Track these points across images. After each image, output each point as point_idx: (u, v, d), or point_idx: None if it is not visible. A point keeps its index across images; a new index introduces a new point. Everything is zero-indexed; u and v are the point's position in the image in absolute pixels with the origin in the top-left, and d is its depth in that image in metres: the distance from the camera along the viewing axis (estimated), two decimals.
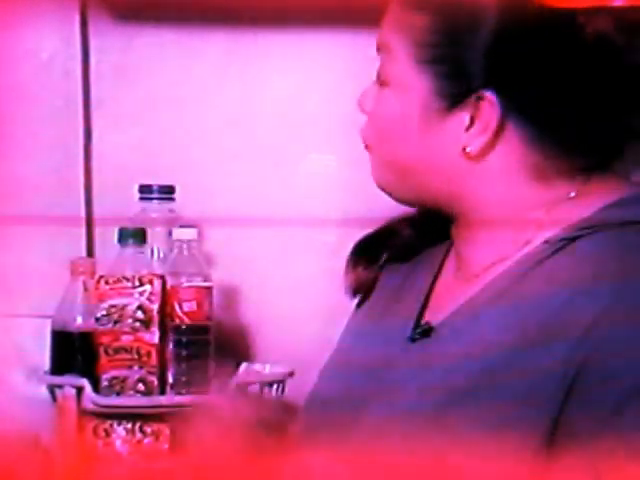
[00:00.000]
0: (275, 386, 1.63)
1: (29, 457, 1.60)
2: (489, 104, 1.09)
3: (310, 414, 1.26)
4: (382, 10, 1.37)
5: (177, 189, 1.68)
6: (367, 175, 1.33)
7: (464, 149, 1.11)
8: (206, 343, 1.59)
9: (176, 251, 1.60)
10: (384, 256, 1.28)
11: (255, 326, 1.81)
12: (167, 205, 1.67)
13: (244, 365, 1.64)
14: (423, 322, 1.18)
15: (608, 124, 1.12)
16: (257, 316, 1.80)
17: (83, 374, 1.51)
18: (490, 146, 1.11)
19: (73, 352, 1.55)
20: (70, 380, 1.51)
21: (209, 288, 1.60)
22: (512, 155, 1.11)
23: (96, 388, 1.49)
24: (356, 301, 1.30)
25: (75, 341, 1.55)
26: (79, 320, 1.58)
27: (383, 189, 1.20)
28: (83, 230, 1.77)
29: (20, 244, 1.71)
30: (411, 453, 1.09)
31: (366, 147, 1.20)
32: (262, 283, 1.78)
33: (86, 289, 1.58)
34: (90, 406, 1.50)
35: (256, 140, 1.80)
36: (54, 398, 1.52)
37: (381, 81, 1.17)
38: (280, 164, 1.78)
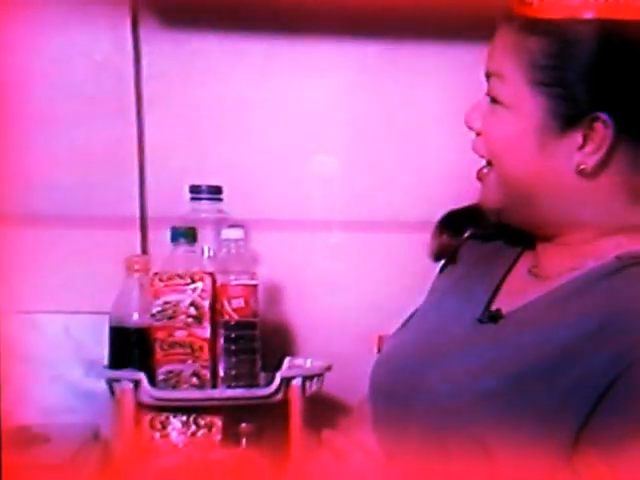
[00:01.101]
0: (315, 379, 1.65)
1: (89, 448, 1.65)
2: (603, 124, 1.12)
3: (378, 374, 1.29)
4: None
5: (224, 189, 1.69)
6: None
7: (578, 167, 1.14)
8: (253, 338, 1.62)
9: (224, 250, 1.63)
10: (468, 231, 1.32)
11: (297, 322, 1.85)
12: (216, 205, 1.69)
13: (287, 359, 1.67)
14: (493, 308, 1.22)
15: None
16: (299, 312, 1.84)
17: (140, 368, 1.53)
18: (603, 165, 1.14)
19: (130, 347, 1.57)
20: (128, 374, 1.54)
21: (255, 286, 1.62)
22: (620, 175, 1.14)
23: (152, 382, 1.51)
24: (439, 266, 1.35)
25: (132, 336, 1.57)
26: (135, 316, 1.61)
27: (492, 211, 1.23)
28: (137, 229, 1.80)
29: (78, 244, 1.75)
30: (458, 428, 1.14)
31: (488, 162, 1.22)
32: (304, 281, 1.81)
33: (141, 286, 1.61)
34: (147, 399, 1.52)
35: (294, 140, 1.82)
36: (112, 392, 1.54)
37: (494, 100, 1.19)
38: (315, 163, 1.81)
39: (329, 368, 1.64)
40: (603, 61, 1.15)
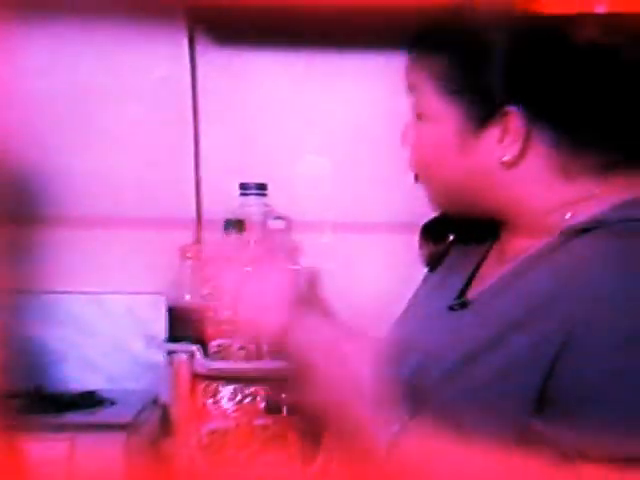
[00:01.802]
0: None
1: (149, 411, 1.74)
2: (514, 117, 1.14)
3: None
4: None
5: (269, 186, 1.76)
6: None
7: (501, 159, 1.17)
8: None
9: (269, 239, 1.68)
10: (450, 237, 1.35)
11: (333, 304, 1.86)
12: (261, 200, 1.74)
13: None
14: (467, 297, 1.24)
15: (624, 122, 1.15)
16: (335, 295, 1.83)
17: (194, 342, 1.58)
18: (522, 153, 1.16)
19: (185, 324, 1.61)
20: (184, 347, 1.60)
21: (297, 272, 1.59)
22: (541, 158, 1.16)
23: (205, 354, 1.57)
24: (426, 270, 1.37)
25: (186, 314, 1.61)
26: (188, 297, 1.66)
27: (440, 209, 1.28)
28: (193, 221, 1.89)
29: (142, 235, 1.84)
30: (434, 409, 1.16)
31: (415, 177, 1.25)
32: (340, 267, 1.85)
33: (194, 271, 1.67)
34: (200, 369, 1.58)
35: (331, 141, 1.91)
36: (170, 363, 1.60)
37: (417, 115, 1.22)
38: (349, 163, 1.89)
39: None
40: (504, 62, 1.16)
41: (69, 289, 1.89)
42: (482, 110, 1.17)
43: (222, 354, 1.59)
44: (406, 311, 1.36)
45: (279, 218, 1.72)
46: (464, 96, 1.17)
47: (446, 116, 1.19)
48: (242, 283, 1.35)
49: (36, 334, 1.89)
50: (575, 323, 1.05)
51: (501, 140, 1.16)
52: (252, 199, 1.76)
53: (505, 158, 1.16)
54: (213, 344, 1.58)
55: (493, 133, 1.16)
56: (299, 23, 1.82)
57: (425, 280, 1.38)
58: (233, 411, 1.60)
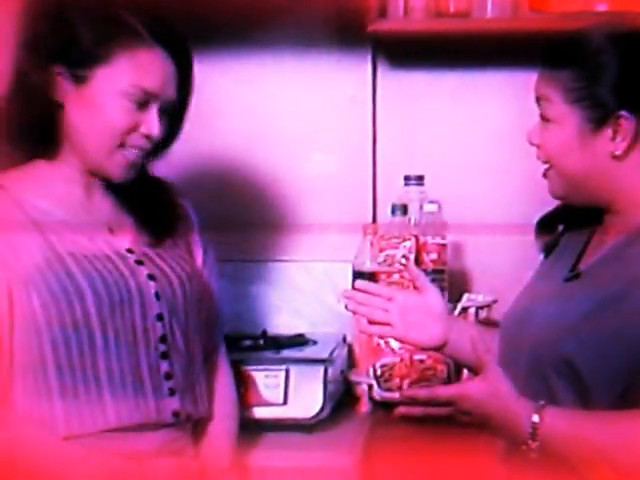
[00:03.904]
0: (485, 308, 1.86)
1: (341, 348, 1.88)
2: (626, 119, 1.25)
3: (501, 326, 1.45)
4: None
5: (426, 177, 2.03)
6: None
7: (612, 153, 1.26)
8: (442, 281, 1.92)
9: (425, 219, 1.96)
10: (561, 228, 1.43)
11: (473, 270, 2.12)
12: (420, 188, 2.02)
13: (466, 295, 1.91)
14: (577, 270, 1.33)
15: None
16: (475, 263, 2.11)
17: None
18: (631, 148, 1.26)
19: None
20: None
21: (445, 245, 1.94)
22: None
23: None
24: (542, 257, 1.46)
25: (365, 277, 1.79)
26: (367, 264, 1.92)
27: (561, 199, 1.36)
28: (370, 206, 2.14)
29: (335, 218, 2.11)
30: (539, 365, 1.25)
31: (544, 174, 1.33)
32: (478, 241, 2.05)
33: (372, 244, 1.92)
34: None
35: (477, 146, 2.11)
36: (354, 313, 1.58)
37: (544, 119, 1.31)
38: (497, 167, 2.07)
39: (495, 301, 1.86)
40: (618, 75, 1.25)
41: (285, 257, 2.15)
42: (599, 114, 1.26)
43: None
44: (524, 290, 1.43)
45: (432, 202, 1.97)
46: (584, 103, 1.27)
47: (570, 120, 1.28)
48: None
49: (262, 292, 2.16)
50: None
51: (613, 138, 1.26)
52: (412, 188, 2.00)
53: (616, 153, 1.26)
54: None
55: (607, 133, 1.26)
56: (456, 47, 2.03)
57: (541, 265, 1.45)
58: (399, 348, 1.79)
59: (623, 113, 1.24)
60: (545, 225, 1.43)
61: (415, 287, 1.50)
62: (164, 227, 1.55)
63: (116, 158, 1.46)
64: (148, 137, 1.45)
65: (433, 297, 1.47)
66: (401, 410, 1.30)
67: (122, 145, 1.45)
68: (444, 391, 1.30)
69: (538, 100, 1.32)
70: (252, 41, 2.10)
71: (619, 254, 1.26)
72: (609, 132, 1.26)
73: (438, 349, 1.46)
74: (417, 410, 1.29)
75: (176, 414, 1.50)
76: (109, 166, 1.46)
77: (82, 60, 1.41)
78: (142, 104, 1.43)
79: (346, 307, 1.54)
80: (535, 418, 1.22)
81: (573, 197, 1.32)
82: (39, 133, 1.43)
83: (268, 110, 2.14)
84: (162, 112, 1.46)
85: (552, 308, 1.30)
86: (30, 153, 1.44)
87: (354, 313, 1.52)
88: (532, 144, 1.33)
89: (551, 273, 1.39)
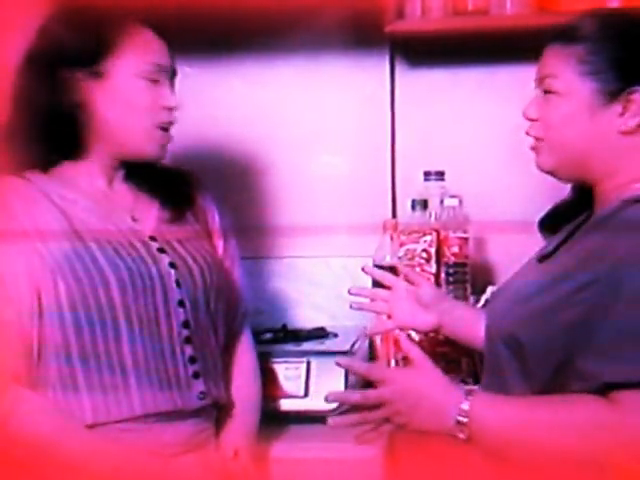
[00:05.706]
0: None
1: (362, 341, 1.88)
2: (637, 95, 1.26)
3: (487, 308, 1.48)
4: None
5: (447, 172, 2.03)
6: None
7: (619, 128, 1.26)
8: (464, 274, 1.93)
9: (445, 213, 1.96)
10: (559, 228, 1.42)
11: (497, 263, 2.12)
12: (440, 184, 2.02)
13: (489, 287, 1.93)
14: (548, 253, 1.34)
15: None
16: (499, 257, 2.10)
17: None
18: (638, 126, 1.27)
19: None
20: None
21: (466, 238, 1.94)
22: None
23: None
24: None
25: (386, 271, 1.72)
26: (388, 259, 1.93)
27: (550, 172, 1.33)
28: (389, 201, 2.15)
29: (355, 212, 2.12)
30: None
31: (536, 139, 1.32)
32: (501, 235, 2.03)
33: (392, 239, 1.95)
34: None
35: (492, 142, 2.09)
36: None
37: (549, 93, 1.30)
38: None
39: None
40: (633, 51, 1.26)
41: (305, 254, 2.17)
42: (612, 86, 1.26)
43: None
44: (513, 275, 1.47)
45: (453, 197, 1.98)
46: (598, 76, 1.27)
47: (580, 92, 1.28)
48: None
49: (282, 288, 2.18)
50: (624, 272, 1.14)
51: (622, 114, 1.26)
52: (432, 183, 2.01)
53: (624, 128, 1.26)
54: None
55: (617, 107, 1.27)
56: (474, 44, 2.03)
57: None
58: (420, 341, 1.77)
59: (637, 88, 1.25)
60: (545, 224, 1.46)
61: (408, 281, 1.57)
62: (185, 203, 1.61)
63: (152, 136, 1.53)
64: (169, 109, 1.53)
65: (423, 286, 1.55)
66: (335, 420, 1.30)
67: (152, 123, 1.52)
68: (372, 391, 1.30)
69: (542, 79, 1.31)
70: (272, 43, 2.14)
71: (585, 235, 1.27)
72: (619, 107, 1.26)
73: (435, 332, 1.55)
74: (352, 418, 1.29)
75: (202, 396, 1.52)
76: (146, 147, 1.53)
77: (95, 57, 1.49)
78: (155, 80, 1.52)
79: (351, 307, 1.62)
80: (465, 406, 1.23)
81: (563, 171, 1.32)
82: (65, 138, 1.50)
83: (290, 111, 2.18)
84: (171, 84, 1.56)
85: (518, 284, 1.35)
86: (57, 157, 1.51)
87: (360, 310, 1.60)
88: (529, 119, 1.33)
89: (535, 259, 1.42)
